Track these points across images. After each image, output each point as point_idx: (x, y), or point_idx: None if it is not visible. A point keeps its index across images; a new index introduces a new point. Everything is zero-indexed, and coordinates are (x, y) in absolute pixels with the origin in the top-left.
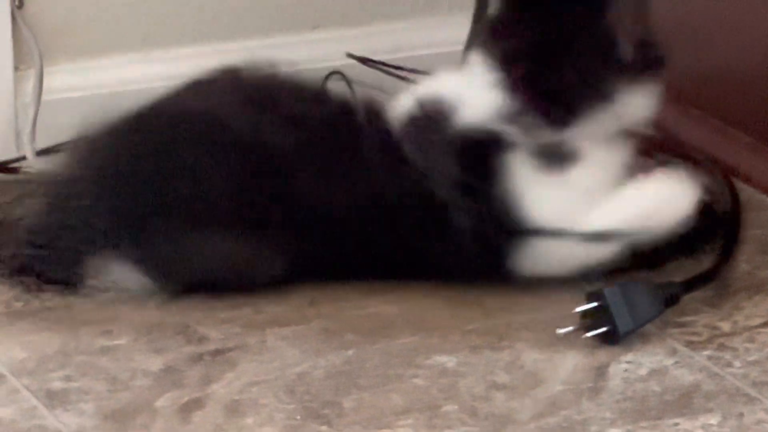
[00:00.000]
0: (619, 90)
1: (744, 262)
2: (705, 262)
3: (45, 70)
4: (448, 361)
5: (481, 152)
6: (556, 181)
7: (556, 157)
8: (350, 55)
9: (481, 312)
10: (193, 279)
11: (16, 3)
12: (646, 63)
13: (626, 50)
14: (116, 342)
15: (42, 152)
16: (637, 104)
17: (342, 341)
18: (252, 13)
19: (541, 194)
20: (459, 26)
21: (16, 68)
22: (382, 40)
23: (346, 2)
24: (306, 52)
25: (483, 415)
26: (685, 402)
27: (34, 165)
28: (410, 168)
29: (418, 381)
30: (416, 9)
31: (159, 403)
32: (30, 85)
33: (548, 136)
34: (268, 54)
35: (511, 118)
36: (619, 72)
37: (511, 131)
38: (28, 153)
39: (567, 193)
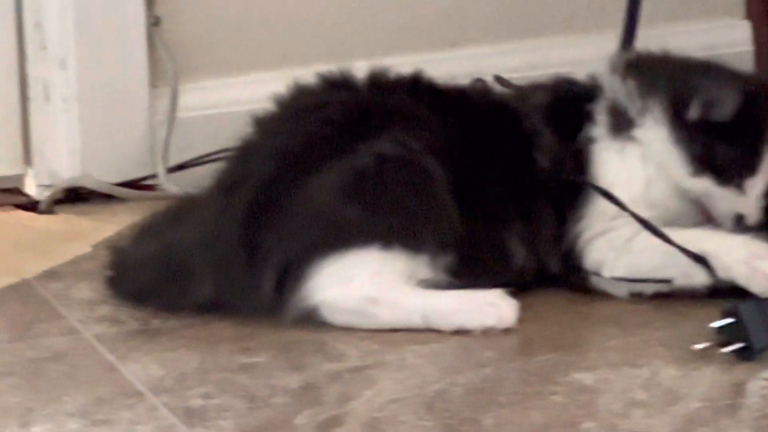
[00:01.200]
0: None
1: None
2: None
3: (180, 88)
4: (587, 378)
5: None
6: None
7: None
8: (497, 78)
9: (619, 329)
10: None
11: (152, 21)
12: None
13: None
14: (255, 359)
15: (173, 169)
16: None
17: (480, 359)
18: (389, 32)
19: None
20: (594, 45)
21: (152, 86)
22: (519, 58)
23: (484, 20)
24: (444, 70)
25: None
26: None
27: (164, 182)
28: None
29: (556, 398)
30: (553, 27)
31: (298, 420)
32: (165, 102)
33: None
34: (405, 71)
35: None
36: None
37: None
38: (160, 170)
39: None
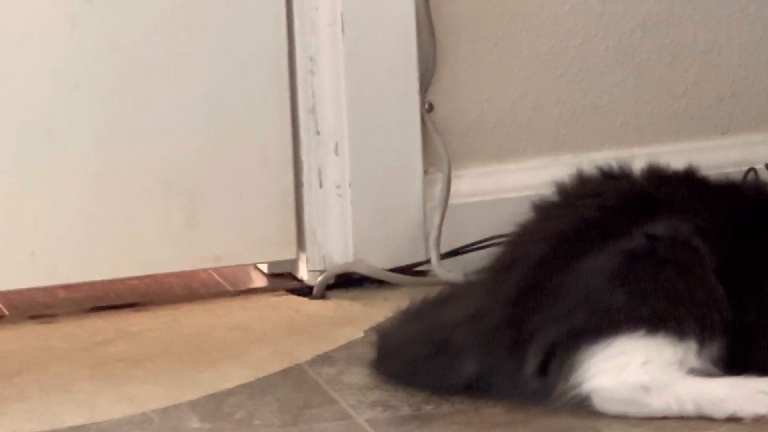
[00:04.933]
0: None
1: None
2: None
3: (452, 174)
4: None
5: None
6: None
7: None
8: None
9: None
10: None
11: (426, 107)
12: None
13: None
14: None
15: (446, 255)
16: None
17: None
18: (660, 118)
19: None
20: None
21: (425, 172)
22: None
23: (756, 107)
24: (715, 158)
25: None
26: None
27: (437, 268)
28: None
29: None
30: None
31: None
32: (437, 189)
33: None
34: (677, 159)
35: None
36: None
37: None
38: (433, 256)
39: None
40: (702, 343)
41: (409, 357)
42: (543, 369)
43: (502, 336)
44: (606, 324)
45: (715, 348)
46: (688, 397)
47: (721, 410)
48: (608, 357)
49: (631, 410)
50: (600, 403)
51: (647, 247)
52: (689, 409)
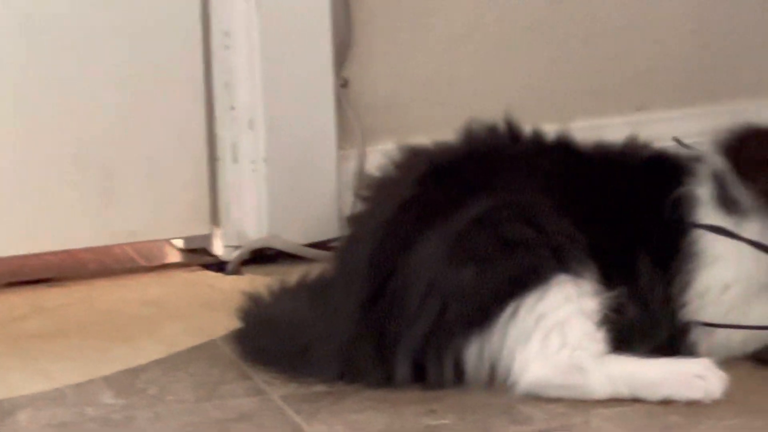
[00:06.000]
0: None
1: None
2: None
3: (367, 150)
4: None
5: None
6: None
7: None
8: (676, 140)
9: None
10: None
11: (341, 83)
12: None
13: None
14: (441, 421)
15: None
16: None
17: (666, 422)
18: (575, 94)
19: None
20: None
21: (340, 147)
22: (705, 122)
23: (671, 83)
24: (631, 133)
25: None
26: None
27: None
28: None
29: None
30: (740, 92)
31: None
32: (352, 164)
33: None
34: (592, 135)
35: None
36: None
37: None
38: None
39: None
40: (577, 271)
41: (272, 345)
42: (419, 373)
43: (361, 349)
44: (472, 307)
45: (594, 271)
46: (622, 379)
47: (656, 393)
48: (519, 342)
49: (566, 394)
50: (535, 391)
51: (474, 223)
52: (623, 391)
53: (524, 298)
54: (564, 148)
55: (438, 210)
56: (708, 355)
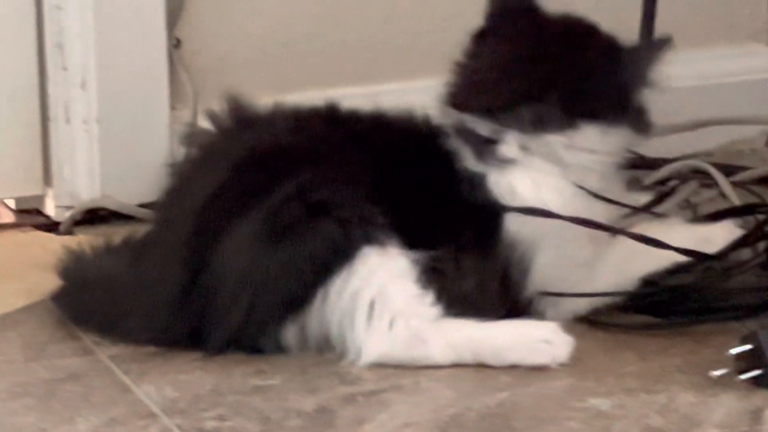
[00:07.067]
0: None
1: None
2: None
3: (200, 110)
4: (603, 403)
5: None
6: None
7: None
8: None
9: (636, 354)
10: None
11: (173, 43)
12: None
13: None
14: (270, 382)
15: None
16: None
17: (496, 383)
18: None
19: None
20: None
21: (173, 108)
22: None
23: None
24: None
25: None
26: None
27: None
28: None
29: (572, 424)
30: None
31: None
32: (184, 125)
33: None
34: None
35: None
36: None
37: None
38: None
39: None
40: (381, 240)
41: (91, 307)
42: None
43: (177, 333)
44: (281, 299)
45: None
46: (464, 346)
47: (502, 360)
48: (345, 326)
49: (409, 362)
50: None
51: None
52: (467, 357)
53: (332, 281)
54: (375, 120)
55: (251, 194)
56: (554, 319)
